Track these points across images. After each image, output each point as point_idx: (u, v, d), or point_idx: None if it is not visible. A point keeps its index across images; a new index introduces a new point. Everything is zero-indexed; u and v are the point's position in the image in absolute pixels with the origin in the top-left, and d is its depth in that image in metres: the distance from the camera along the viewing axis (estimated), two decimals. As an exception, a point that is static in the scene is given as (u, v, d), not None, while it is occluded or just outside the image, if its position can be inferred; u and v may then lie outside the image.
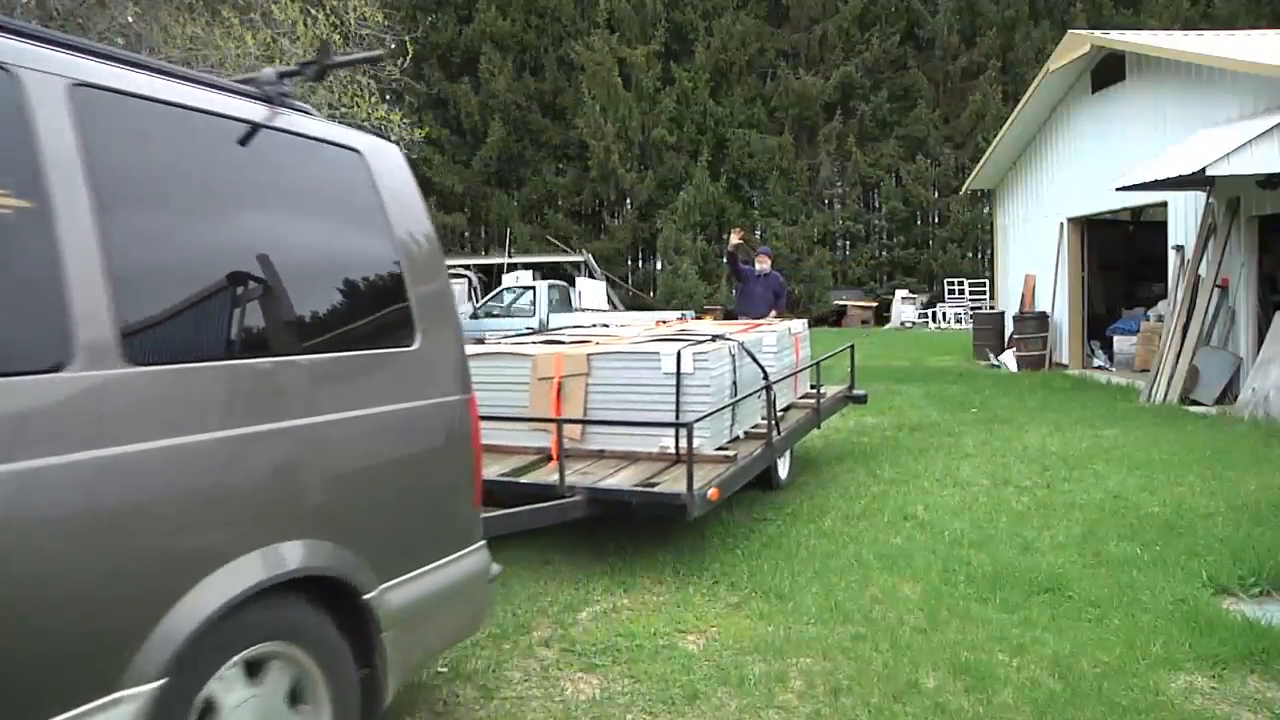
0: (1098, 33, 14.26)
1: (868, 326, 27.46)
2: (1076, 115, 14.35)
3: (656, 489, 4.58)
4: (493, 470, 4.89)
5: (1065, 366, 14.32)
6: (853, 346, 8.13)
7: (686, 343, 5.34)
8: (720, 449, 5.26)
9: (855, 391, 8.00)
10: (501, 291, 17.14)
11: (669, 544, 5.23)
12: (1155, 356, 10.94)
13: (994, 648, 3.79)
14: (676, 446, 4.99)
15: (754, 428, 5.89)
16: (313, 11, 10.78)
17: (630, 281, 30.48)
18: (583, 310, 17.47)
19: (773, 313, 11.91)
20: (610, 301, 21.87)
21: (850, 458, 7.70)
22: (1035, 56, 25.92)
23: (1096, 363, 14.07)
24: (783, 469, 6.53)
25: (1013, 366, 14.49)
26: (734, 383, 5.50)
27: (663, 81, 30.22)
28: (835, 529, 5.57)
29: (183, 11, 10.62)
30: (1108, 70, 13.18)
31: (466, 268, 24.64)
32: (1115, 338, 13.98)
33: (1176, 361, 10.35)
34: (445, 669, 3.67)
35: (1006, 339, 15.53)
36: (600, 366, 5.30)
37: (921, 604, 4.30)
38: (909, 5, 30.76)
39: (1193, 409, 9.80)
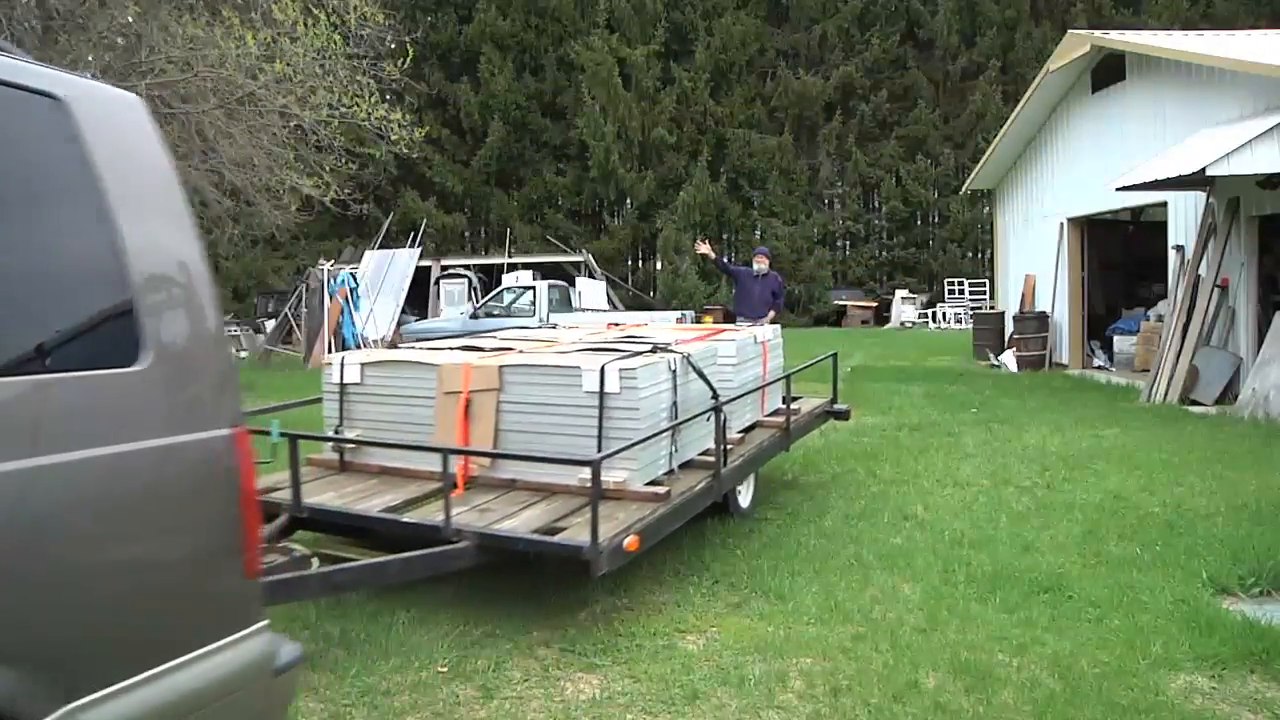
0: (1098, 33, 14.26)
1: (867, 326, 27.48)
2: (1076, 115, 14.35)
3: (557, 537, 3.78)
4: (376, 502, 4.29)
5: (1065, 366, 14.32)
6: (835, 355, 7.31)
7: (618, 355, 4.64)
8: (653, 483, 4.50)
9: (837, 406, 7.18)
10: (501, 291, 17.14)
11: (669, 544, 5.22)
12: (1155, 356, 10.93)
13: (994, 648, 3.79)
14: (599, 479, 4.25)
15: (704, 453, 5.06)
16: (313, 11, 10.78)
17: (630, 281, 30.48)
18: (583, 310, 17.47)
19: (771, 313, 11.96)
20: (610, 301, 21.86)
21: (850, 458, 7.69)
22: (1035, 56, 25.90)
23: (1096, 363, 14.07)
24: (744, 495, 5.84)
25: (1013, 366, 14.48)
26: (674, 403, 4.73)
27: (663, 81, 30.21)
28: (835, 529, 5.57)
29: (183, 11, 10.62)
30: (1108, 70, 13.18)
31: (466, 268, 24.63)
32: (1115, 338, 13.99)
33: (1176, 361, 10.35)
34: (445, 669, 3.68)
35: (1006, 339, 15.52)
36: (514, 381, 4.57)
37: (921, 604, 4.31)
38: (909, 5, 30.75)
39: (1193, 409, 9.79)
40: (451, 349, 5.37)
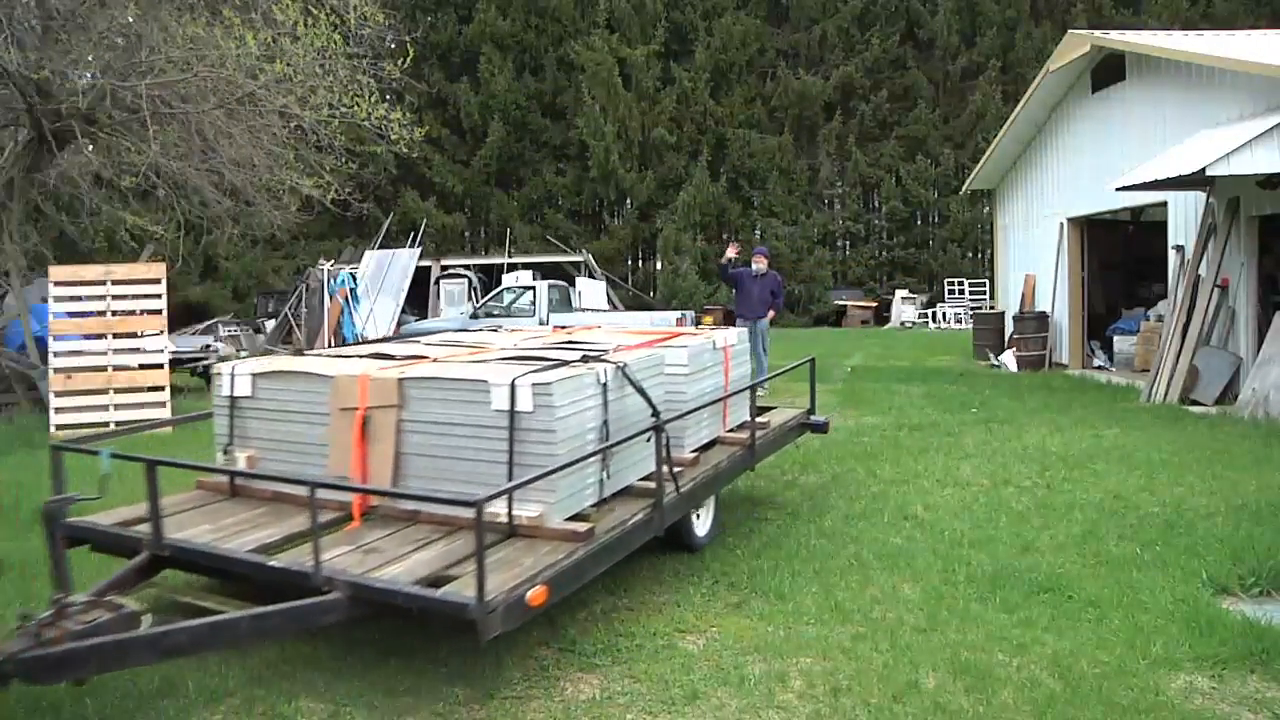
0: (1098, 33, 14.26)
1: (867, 326, 27.47)
2: (1076, 115, 14.35)
3: (441, 591, 3.14)
4: (253, 538, 3.77)
5: (1065, 366, 14.32)
6: (813, 361, 6.75)
7: (538, 366, 4.03)
8: (575, 517, 3.88)
9: (815, 418, 6.46)
10: (501, 291, 17.13)
11: (669, 544, 5.22)
12: (1155, 356, 10.93)
13: (994, 648, 3.79)
14: (510, 513, 3.72)
15: (648, 477, 4.34)
16: (313, 11, 10.78)
17: (630, 281, 30.47)
18: (583, 310, 17.47)
19: (771, 313, 11.97)
20: (610, 301, 21.86)
21: (850, 458, 7.69)
22: (1035, 56, 25.90)
23: (1096, 363, 14.07)
24: (701, 524, 5.16)
25: (1013, 366, 14.48)
26: (604, 422, 4.10)
27: (663, 81, 30.21)
28: (835, 529, 5.57)
29: (183, 11, 10.62)
30: (1108, 70, 13.18)
31: (466, 268, 24.62)
32: (1115, 338, 13.99)
33: (1176, 361, 10.35)
34: (445, 669, 3.68)
35: (1006, 339, 15.53)
36: (417, 396, 3.98)
37: (921, 604, 4.31)
38: (909, 5, 30.75)
39: (1193, 409, 9.79)
40: (361, 356, 4.71)
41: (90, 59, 11.04)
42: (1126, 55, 12.63)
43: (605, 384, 4.12)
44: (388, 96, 12.69)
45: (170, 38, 10.18)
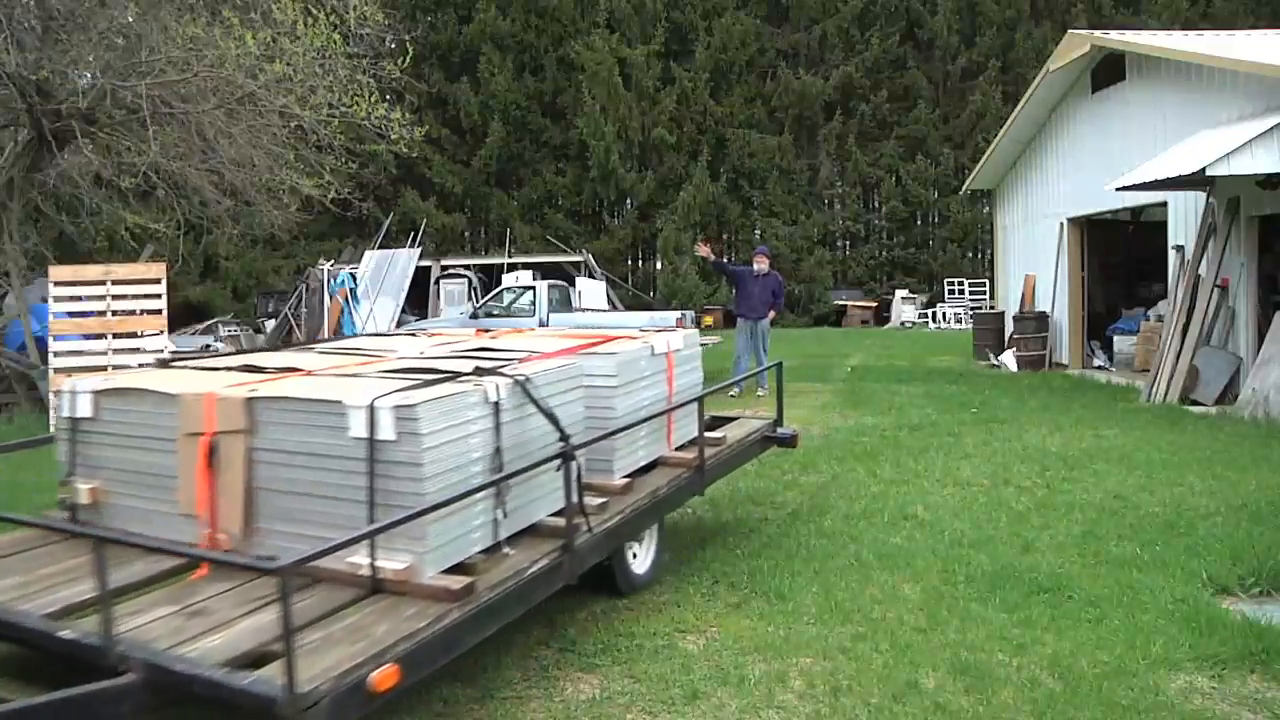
0: (1098, 33, 14.26)
1: (867, 326, 27.46)
2: (1076, 115, 14.35)
3: (248, 680, 2.41)
4: (63, 595, 3.05)
5: (1065, 366, 14.31)
6: (780, 364, 6.24)
7: (411, 383, 3.32)
8: (458, 568, 3.16)
9: (781, 430, 5.73)
10: (501, 291, 17.11)
11: (668, 544, 5.22)
12: (1155, 356, 10.93)
13: (994, 648, 3.80)
14: (373, 564, 3.04)
15: (557, 514, 3.63)
16: (313, 11, 10.78)
17: (630, 281, 30.47)
18: (583, 310, 17.47)
19: (772, 313, 11.97)
20: (610, 301, 21.86)
21: (850, 458, 7.69)
22: (1035, 56, 25.88)
23: (1096, 363, 14.07)
24: (641, 560, 4.52)
25: (1013, 366, 14.48)
26: (498, 449, 3.40)
27: (663, 81, 30.19)
28: (835, 529, 5.57)
29: (183, 11, 10.62)
30: (1108, 70, 13.18)
31: (466, 268, 24.62)
32: (1115, 338, 13.99)
33: (1176, 361, 10.35)
34: (445, 668, 3.67)
35: (1006, 339, 15.52)
36: (268, 420, 3.28)
37: (921, 604, 4.31)
38: (909, 5, 30.73)
39: (1193, 409, 9.79)
40: (229, 368, 3.96)
41: (90, 59, 11.04)
42: (1126, 55, 12.63)
43: (498, 403, 3.41)
44: (388, 96, 12.68)
45: (170, 38, 10.19)
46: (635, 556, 4.49)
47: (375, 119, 11.42)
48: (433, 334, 5.73)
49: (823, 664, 3.69)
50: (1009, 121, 16.03)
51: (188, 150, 11.77)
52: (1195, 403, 10.05)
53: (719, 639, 3.95)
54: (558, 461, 3.51)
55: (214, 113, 11.12)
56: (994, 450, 7.93)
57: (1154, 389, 10.44)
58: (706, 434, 4.94)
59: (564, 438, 3.61)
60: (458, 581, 3.02)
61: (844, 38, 30.70)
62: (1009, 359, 14.72)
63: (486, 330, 6.15)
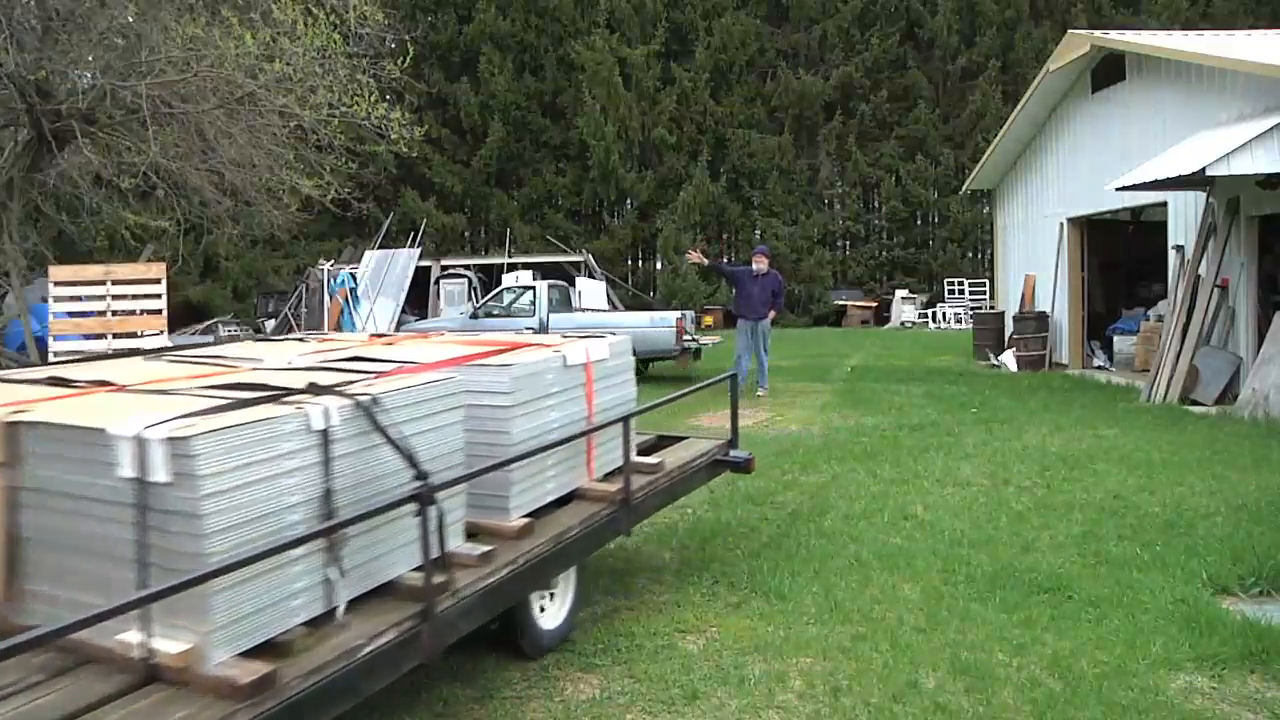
0: (1098, 33, 14.26)
1: (867, 326, 27.46)
2: (1076, 115, 14.35)
3: None
4: None
5: (1065, 366, 14.32)
6: (733, 377, 5.34)
7: (217, 405, 2.55)
8: (261, 649, 2.39)
9: (735, 453, 4.96)
10: (501, 291, 17.11)
11: (669, 544, 5.22)
12: (1155, 356, 10.93)
13: (994, 648, 3.80)
14: (146, 645, 2.30)
15: (415, 569, 2.86)
16: (313, 11, 10.78)
17: (630, 281, 30.47)
18: (583, 310, 17.47)
19: (772, 313, 11.98)
20: (610, 301, 21.86)
21: (850, 458, 7.69)
22: (1035, 56, 25.89)
23: (1096, 363, 14.07)
24: (552, 614, 3.82)
25: (1013, 366, 14.48)
26: (328, 492, 2.65)
27: (663, 81, 30.20)
28: (835, 529, 5.57)
29: (183, 11, 10.62)
30: (1108, 70, 13.18)
31: (466, 267, 24.62)
32: (1115, 338, 13.99)
33: (1176, 361, 10.35)
34: (445, 669, 3.67)
35: (1006, 339, 15.52)
36: (35, 451, 2.56)
37: (921, 604, 4.31)
38: (909, 5, 30.73)
39: (1193, 409, 9.79)
40: (34, 380, 3.19)
41: (90, 59, 11.04)
42: (1126, 55, 12.63)
43: (326, 430, 2.64)
44: (388, 96, 12.68)
45: (170, 38, 10.18)
46: (544, 611, 3.76)
47: (375, 119, 11.42)
48: (325, 339, 4.84)
49: (823, 664, 3.69)
50: (1009, 122, 16.03)
51: (188, 150, 11.77)
52: (1195, 403, 10.05)
53: (719, 639, 3.95)
54: (413, 506, 2.73)
55: (214, 113, 11.12)
56: (994, 450, 7.93)
57: (1154, 389, 10.44)
58: (642, 459, 4.32)
59: (420, 475, 2.80)
60: (250, 671, 2.25)
61: (844, 38, 30.70)
62: (1009, 359, 14.72)
63: (381, 335, 5.44)
